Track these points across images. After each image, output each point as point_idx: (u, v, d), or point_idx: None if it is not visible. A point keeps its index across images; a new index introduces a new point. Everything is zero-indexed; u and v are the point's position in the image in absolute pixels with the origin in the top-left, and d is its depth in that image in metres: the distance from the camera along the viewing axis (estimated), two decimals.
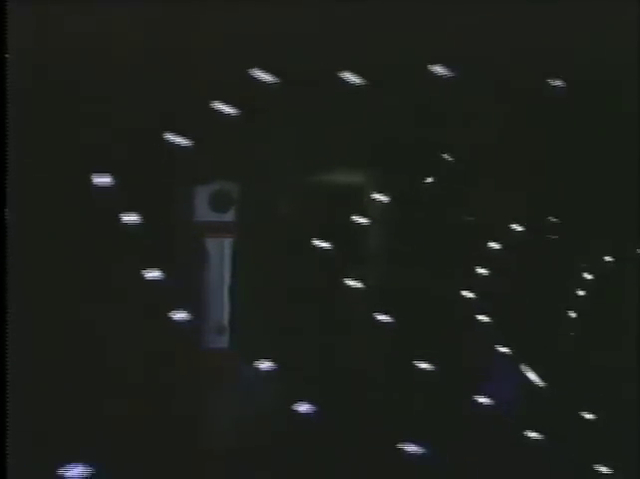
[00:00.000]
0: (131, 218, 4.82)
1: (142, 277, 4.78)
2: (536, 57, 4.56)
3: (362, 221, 5.10)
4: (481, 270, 5.03)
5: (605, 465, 4.69)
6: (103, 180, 4.80)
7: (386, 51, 4.44)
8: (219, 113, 4.86)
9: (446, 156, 5.09)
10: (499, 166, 5.05)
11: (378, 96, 4.81)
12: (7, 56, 3.37)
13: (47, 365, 4.70)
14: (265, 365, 4.83)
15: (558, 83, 4.89)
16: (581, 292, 5.12)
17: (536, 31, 4.29)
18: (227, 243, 5.12)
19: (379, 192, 5.13)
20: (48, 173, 4.80)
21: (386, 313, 4.92)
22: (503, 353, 4.96)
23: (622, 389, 4.80)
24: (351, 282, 5.03)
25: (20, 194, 4.22)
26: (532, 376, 4.91)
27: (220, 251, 5.10)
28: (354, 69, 4.76)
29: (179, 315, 4.80)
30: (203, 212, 5.08)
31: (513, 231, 5.08)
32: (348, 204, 5.12)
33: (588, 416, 4.82)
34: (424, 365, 4.86)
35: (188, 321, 4.85)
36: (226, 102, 4.85)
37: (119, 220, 4.80)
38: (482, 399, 4.84)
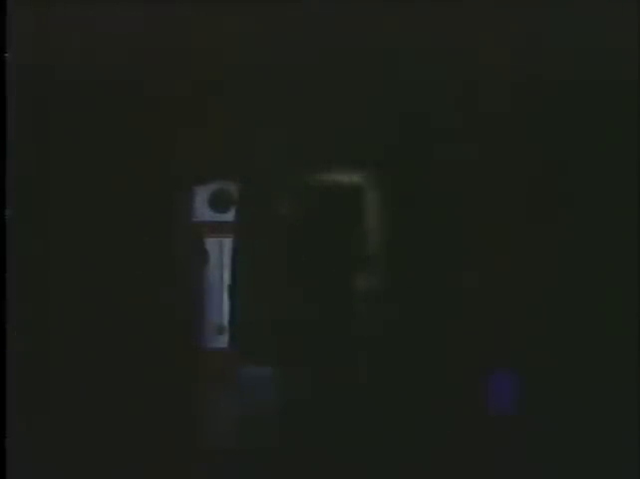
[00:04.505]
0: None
1: (141, 277, 4.79)
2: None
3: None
4: None
5: None
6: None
7: None
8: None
9: None
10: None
11: None
12: (7, 56, 3.38)
13: (46, 365, 4.71)
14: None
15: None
16: None
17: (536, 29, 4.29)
18: (227, 243, 5.12)
19: None
20: (48, 172, 4.80)
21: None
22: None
23: None
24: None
25: (20, 194, 4.23)
26: None
27: (220, 251, 5.11)
28: None
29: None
30: (203, 212, 5.08)
31: None
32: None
33: None
34: None
35: (188, 321, 4.86)
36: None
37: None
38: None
